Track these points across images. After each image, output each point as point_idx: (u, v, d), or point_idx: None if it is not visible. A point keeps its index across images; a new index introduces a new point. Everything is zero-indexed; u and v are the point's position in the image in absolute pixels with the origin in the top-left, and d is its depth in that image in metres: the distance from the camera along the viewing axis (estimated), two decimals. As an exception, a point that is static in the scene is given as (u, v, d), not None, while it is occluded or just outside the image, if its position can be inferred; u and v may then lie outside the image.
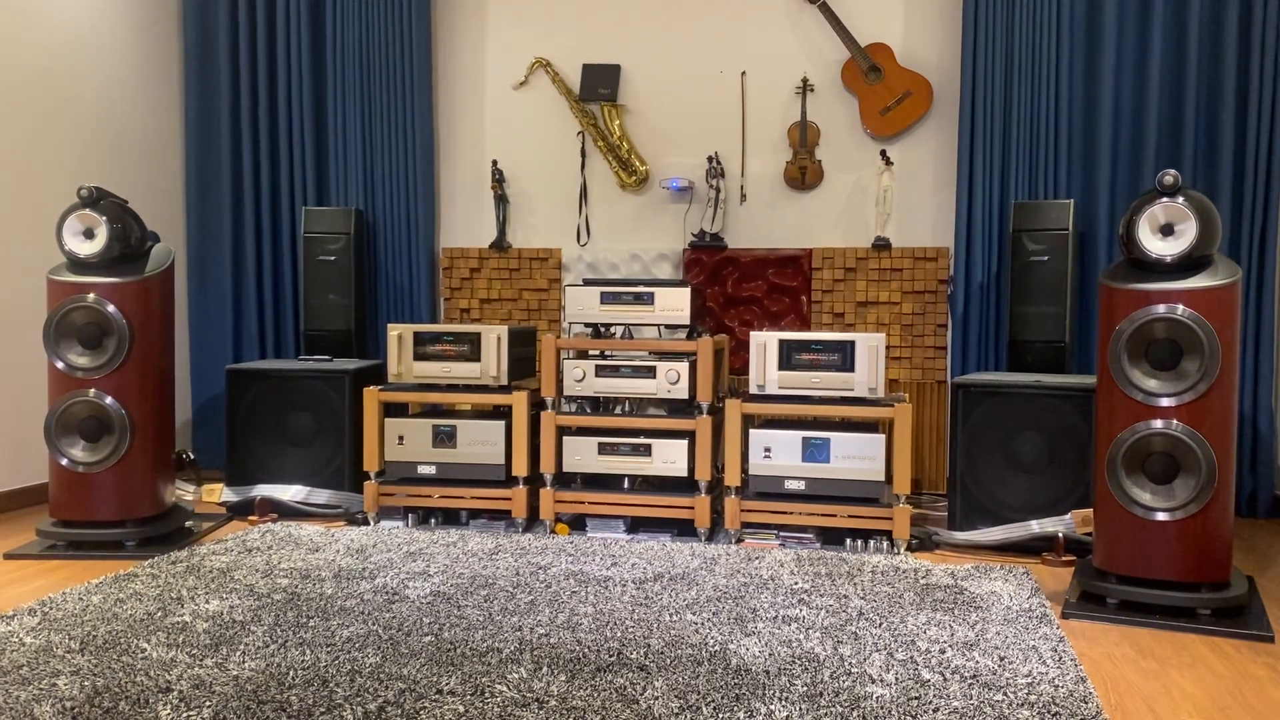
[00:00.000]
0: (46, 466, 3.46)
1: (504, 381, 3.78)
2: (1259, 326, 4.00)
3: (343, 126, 4.79)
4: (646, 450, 3.63)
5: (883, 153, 4.35)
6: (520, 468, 3.71)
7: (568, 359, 3.75)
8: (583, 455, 3.68)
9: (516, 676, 2.21)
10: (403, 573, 3.05)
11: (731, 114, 4.56)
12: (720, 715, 2.01)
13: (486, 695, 2.10)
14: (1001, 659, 2.34)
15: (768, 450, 3.55)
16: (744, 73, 4.54)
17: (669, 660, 2.32)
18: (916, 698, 2.11)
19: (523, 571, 3.08)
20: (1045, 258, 3.89)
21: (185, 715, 1.99)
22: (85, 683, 2.15)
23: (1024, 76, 4.15)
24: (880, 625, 2.59)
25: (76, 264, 3.34)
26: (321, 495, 3.97)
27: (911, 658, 2.35)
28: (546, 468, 3.70)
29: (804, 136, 4.45)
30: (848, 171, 4.47)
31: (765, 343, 3.60)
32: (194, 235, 4.97)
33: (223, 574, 3.03)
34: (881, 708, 2.05)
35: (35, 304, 4.02)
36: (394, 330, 3.86)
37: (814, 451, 3.51)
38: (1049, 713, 2.04)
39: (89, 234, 3.33)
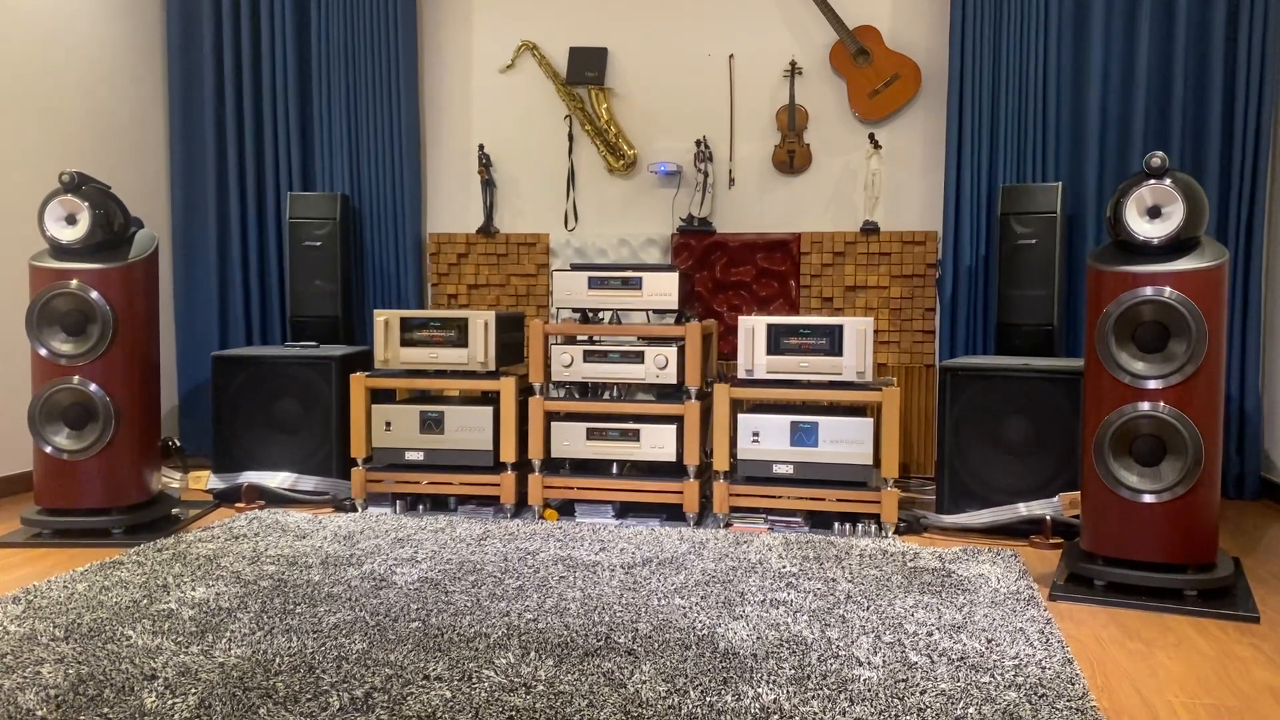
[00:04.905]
0: (30, 454, 3.43)
1: (492, 367, 3.77)
2: (1246, 308, 4.01)
3: (328, 111, 4.75)
4: (635, 435, 3.63)
5: (871, 136, 4.33)
6: (508, 453, 3.71)
7: (556, 344, 3.73)
8: (571, 441, 3.68)
9: (504, 662, 2.20)
10: (390, 559, 3.05)
11: (720, 97, 4.54)
12: (708, 698, 2.01)
13: (474, 680, 2.10)
14: (989, 641, 2.35)
15: (756, 435, 3.55)
16: (732, 56, 4.52)
17: (657, 644, 2.32)
18: (904, 680, 2.11)
19: (511, 557, 3.07)
20: (1033, 241, 3.89)
21: (171, 702, 1.98)
22: (70, 670, 2.14)
23: (1012, 59, 4.14)
24: (868, 608, 2.59)
25: (59, 250, 3.31)
26: (309, 482, 3.95)
27: (899, 640, 2.35)
28: (535, 453, 3.69)
29: (792, 120, 4.44)
30: (836, 155, 4.46)
31: (754, 327, 3.59)
32: (178, 221, 4.93)
33: (209, 561, 3.01)
34: (869, 690, 2.05)
35: (17, 290, 3.98)
36: (380, 316, 3.84)
37: (802, 436, 3.51)
38: (1036, 694, 2.04)
39: (71, 220, 3.30)
